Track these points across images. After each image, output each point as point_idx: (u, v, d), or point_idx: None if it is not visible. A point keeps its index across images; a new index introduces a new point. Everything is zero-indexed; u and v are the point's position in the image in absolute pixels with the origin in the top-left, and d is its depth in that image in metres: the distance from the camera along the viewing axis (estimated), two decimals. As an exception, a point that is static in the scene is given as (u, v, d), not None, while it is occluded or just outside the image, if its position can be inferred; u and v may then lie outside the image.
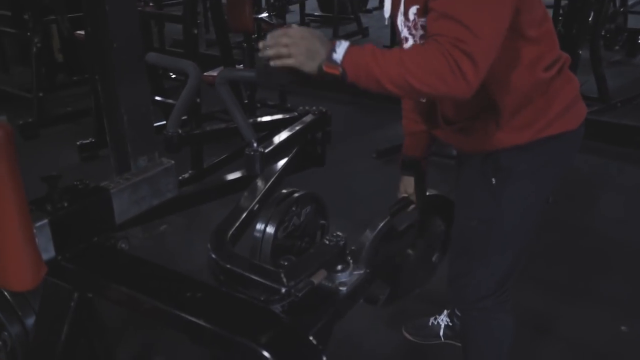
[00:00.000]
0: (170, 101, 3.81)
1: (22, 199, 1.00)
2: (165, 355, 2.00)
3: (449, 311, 2.14)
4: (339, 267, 1.33)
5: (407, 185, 1.76)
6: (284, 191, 1.97)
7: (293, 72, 1.19)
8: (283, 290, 1.14)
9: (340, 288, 1.29)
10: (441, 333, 2.12)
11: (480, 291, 1.54)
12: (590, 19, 4.11)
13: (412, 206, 1.73)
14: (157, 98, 3.98)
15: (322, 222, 2.22)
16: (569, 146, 1.44)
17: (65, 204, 1.16)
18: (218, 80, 1.39)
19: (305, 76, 1.20)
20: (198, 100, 3.27)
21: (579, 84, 1.44)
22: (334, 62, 1.15)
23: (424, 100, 1.46)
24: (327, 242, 1.32)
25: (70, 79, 4.99)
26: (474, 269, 1.54)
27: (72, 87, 4.93)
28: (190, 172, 3.22)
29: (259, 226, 1.88)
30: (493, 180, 1.40)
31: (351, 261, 1.37)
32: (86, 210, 1.20)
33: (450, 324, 2.12)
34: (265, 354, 0.94)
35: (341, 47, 1.15)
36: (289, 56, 1.16)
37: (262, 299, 1.14)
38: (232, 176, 1.79)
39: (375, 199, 3.04)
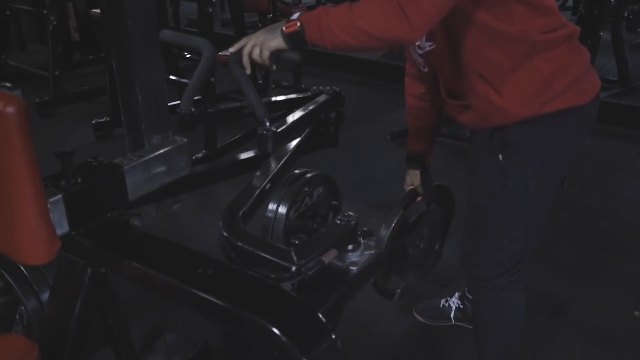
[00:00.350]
0: (185, 81, 3.81)
1: (36, 174, 1.01)
2: (178, 330, 2.03)
3: (460, 294, 2.15)
4: (350, 247, 1.33)
5: (414, 178, 1.80)
6: (297, 172, 1.98)
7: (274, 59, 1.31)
8: (293, 268, 1.14)
9: (351, 268, 1.30)
10: (452, 315, 2.12)
11: (492, 270, 1.54)
12: (612, 0, 4.01)
13: (420, 198, 1.74)
14: (172, 77, 3.98)
15: (335, 203, 2.23)
16: (580, 122, 1.39)
17: (79, 180, 1.17)
18: (231, 59, 1.38)
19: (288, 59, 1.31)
20: (212, 80, 3.27)
21: (589, 56, 1.40)
22: (291, 20, 1.24)
23: (425, 70, 1.45)
24: (339, 222, 1.32)
25: (87, 58, 5.02)
26: (485, 248, 1.54)
27: (88, 66, 4.96)
28: (204, 152, 3.23)
29: (272, 206, 1.90)
30: (500, 157, 1.38)
31: (363, 241, 1.37)
32: (100, 187, 1.21)
33: (462, 306, 2.12)
34: (275, 330, 0.94)
35: (297, 14, 1.26)
36: (255, 50, 1.32)
37: (272, 277, 1.14)
38: (245, 156, 1.79)
39: (388, 181, 3.03)
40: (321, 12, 1.21)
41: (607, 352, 2.02)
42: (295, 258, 1.16)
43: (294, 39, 1.25)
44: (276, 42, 1.27)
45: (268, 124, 1.49)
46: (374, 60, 5.07)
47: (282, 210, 1.90)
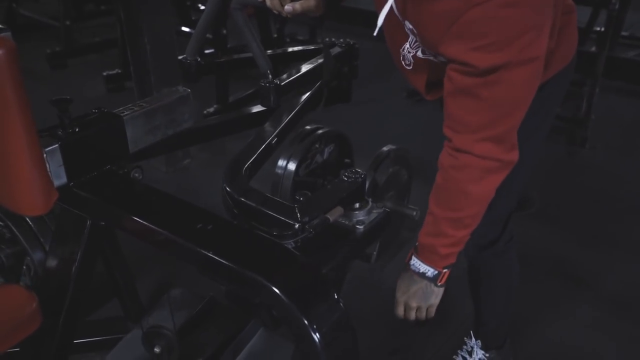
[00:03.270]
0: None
1: (29, 121, 0.97)
2: (184, 284, 2.03)
3: (477, 342, 1.83)
4: (357, 205, 1.28)
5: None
6: (308, 127, 1.93)
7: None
8: (296, 226, 1.10)
9: (357, 227, 1.25)
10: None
11: (488, 236, 1.51)
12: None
13: None
14: (185, 29, 3.89)
15: (347, 160, 2.18)
16: (567, 79, 1.38)
17: (77, 129, 1.12)
18: (233, 5, 1.31)
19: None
20: (224, 31, 3.18)
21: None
22: (433, 273, 1.27)
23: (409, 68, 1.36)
24: (346, 179, 1.27)
25: (99, 8, 4.92)
26: (487, 214, 1.47)
27: (100, 17, 4.86)
28: (215, 106, 3.17)
29: (281, 162, 1.86)
30: None
31: (370, 200, 1.32)
32: (98, 136, 1.17)
33: (487, 354, 1.80)
34: (274, 289, 0.91)
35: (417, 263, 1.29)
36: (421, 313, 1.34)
37: (275, 234, 1.10)
38: (254, 109, 1.74)
39: (403, 139, 2.96)
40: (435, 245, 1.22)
41: (621, 317, 1.98)
42: (298, 215, 1.12)
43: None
44: (436, 298, 1.30)
45: (270, 76, 1.43)
46: (392, 15, 4.89)
47: (291, 166, 1.86)
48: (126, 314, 1.79)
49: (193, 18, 4.22)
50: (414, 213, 1.93)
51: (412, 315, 1.33)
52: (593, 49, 4.13)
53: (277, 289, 0.91)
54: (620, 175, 2.83)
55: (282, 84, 1.44)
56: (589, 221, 2.46)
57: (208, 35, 3.61)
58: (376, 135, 3.13)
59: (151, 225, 1.04)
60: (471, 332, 1.79)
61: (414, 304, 1.32)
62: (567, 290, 2.10)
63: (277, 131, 1.44)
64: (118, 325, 1.76)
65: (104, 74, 3.61)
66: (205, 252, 0.98)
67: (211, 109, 3.16)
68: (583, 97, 3.46)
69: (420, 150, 3.07)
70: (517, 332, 1.91)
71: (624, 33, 4.22)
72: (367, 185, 1.86)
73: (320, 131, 1.94)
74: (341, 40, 1.79)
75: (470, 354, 1.92)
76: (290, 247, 1.10)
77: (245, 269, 0.95)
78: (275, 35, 3.94)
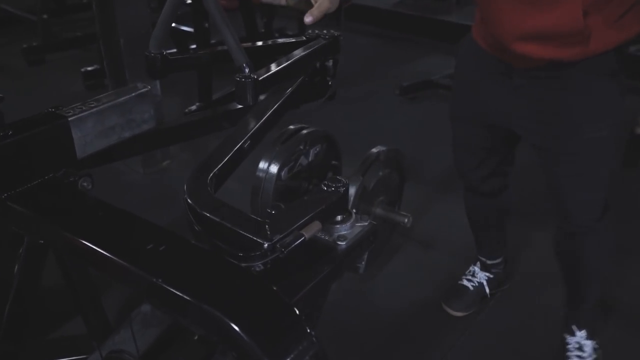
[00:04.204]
0: (184, 28, 3.55)
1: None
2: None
3: (479, 262, 1.96)
4: (339, 218, 1.13)
5: None
6: (291, 127, 1.79)
7: None
8: (265, 245, 0.94)
9: (339, 243, 1.10)
10: (487, 291, 1.95)
11: (596, 212, 1.52)
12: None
13: None
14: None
15: (334, 162, 2.04)
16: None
17: (9, 132, 0.97)
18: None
19: None
20: (206, 25, 3.01)
21: None
22: None
23: None
24: (325, 189, 1.11)
25: (81, 1, 4.74)
26: (591, 190, 1.49)
27: (84, 10, 4.67)
28: (197, 104, 3.00)
29: (262, 165, 1.72)
30: (612, 81, 1.35)
31: (354, 211, 1.17)
32: (37, 141, 1.01)
33: (491, 275, 1.95)
34: (233, 325, 0.76)
35: None
36: None
37: (240, 255, 0.94)
38: (230, 107, 1.58)
39: (394, 139, 2.83)
40: None
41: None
42: (268, 232, 0.96)
43: None
44: None
45: (247, 70, 1.27)
46: (387, 10, 4.75)
47: (273, 169, 1.73)
48: (90, 333, 1.63)
49: (178, 12, 4.04)
50: (406, 220, 1.79)
51: None
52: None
53: (236, 325, 0.76)
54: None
55: (261, 79, 1.28)
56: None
57: (188, 29, 3.45)
58: (366, 135, 2.99)
59: (92, 246, 0.89)
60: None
61: None
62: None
63: (250, 133, 1.28)
64: (80, 344, 1.60)
65: (82, 70, 3.44)
66: (152, 279, 0.82)
67: (193, 107, 2.99)
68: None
69: (413, 150, 2.94)
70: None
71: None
72: (355, 191, 1.72)
73: (305, 131, 1.80)
74: (325, 31, 1.63)
75: (473, 275, 1.95)
76: (258, 269, 0.94)
77: (198, 300, 0.79)
78: (263, 30, 3.78)
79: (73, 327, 1.71)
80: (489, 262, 1.93)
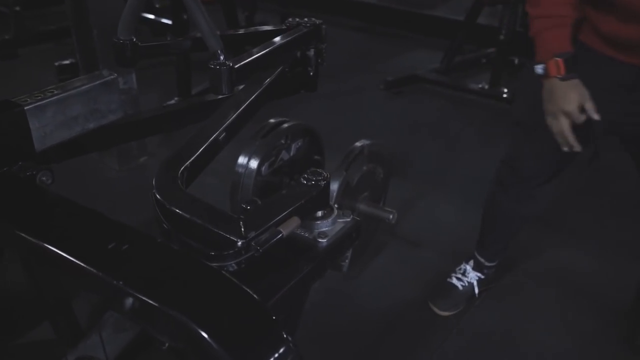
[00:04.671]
0: (164, 20, 3.45)
1: None
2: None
3: (472, 261, 1.90)
4: (319, 214, 1.06)
5: (583, 94, 1.31)
6: (272, 121, 1.72)
7: None
8: (239, 243, 0.86)
9: (320, 240, 1.03)
10: (476, 291, 1.88)
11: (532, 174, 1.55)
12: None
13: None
14: (148, 15, 3.63)
15: (317, 157, 1.97)
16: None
17: (-43, 122, 0.88)
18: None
19: None
20: (185, 17, 2.92)
21: None
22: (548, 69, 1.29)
23: None
24: (305, 182, 1.04)
25: (58, -5, 4.60)
26: None
27: (58, 3, 4.53)
28: (176, 98, 2.92)
29: (241, 160, 1.66)
30: None
31: (336, 206, 1.10)
32: (-12, 131, 0.92)
33: (483, 276, 1.89)
34: (202, 333, 0.68)
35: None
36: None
37: (212, 254, 0.87)
38: (206, 98, 1.50)
39: (379, 134, 2.78)
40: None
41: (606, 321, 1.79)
42: (242, 229, 0.88)
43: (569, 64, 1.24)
44: (569, 94, 1.26)
45: (222, 57, 1.19)
46: (373, 4, 4.69)
47: (253, 164, 1.67)
48: (59, 338, 1.54)
49: (157, 6, 3.94)
50: (390, 216, 1.73)
51: (563, 124, 1.27)
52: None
53: (205, 331, 0.69)
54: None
55: (237, 67, 1.21)
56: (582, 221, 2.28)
57: (167, 21, 3.35)
58: (350, 129, 2.92)
59: (46, 245, 0.80)
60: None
61: (551, 108, 1.28)
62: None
63: (226, 124, 1.20)
64: (49, 350, 1.51)
65: (56, 63, 3.32)
66: (113, 281, 0.74)
67: (172, 102, 2.90)
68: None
69: (399, 145, 2.89)
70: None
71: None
72: (338, 186, 1.65)
73: (286, 125, 1.73)
74: (306, 19, 1.56)
75: (464, 274, 1.90)
76: (231, 269, 0.87)
77: (163, 304, 0.72)
78: (244, 25, 3.69)
79: (45, 331, 1.62)
80: (487, 263, 1.87)
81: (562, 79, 1.22)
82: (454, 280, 1.88)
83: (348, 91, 3.46)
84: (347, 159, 1.70)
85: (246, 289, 0.77)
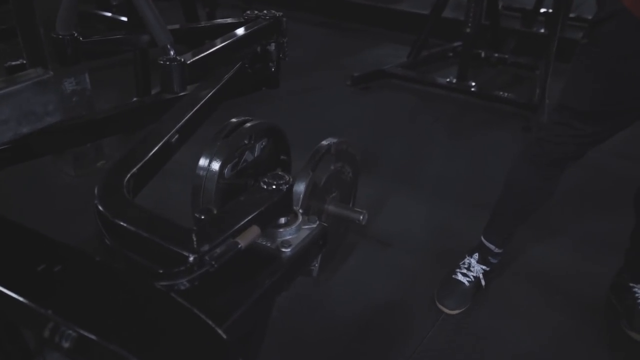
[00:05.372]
0: (123, 18, 3.30)
1: None
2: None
3: (477, 254, 1.84)
4: (282, 221, 0.98)
5: None
6: (234, 120, 1.64)
7: None
8: (191, 258, 0.77)
9: (283, 250, 0.94)
10: (483, 284, 1.83)
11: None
12: None
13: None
14: (104, 13, 3.48)
15: (283, 157, 1.89)
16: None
17: None
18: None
19: None
20: (141, 13, 2.78)
21: None
22: None
23: None
24: (265, 187, 0.95)
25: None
26: None
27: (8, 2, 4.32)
28: (134, 99, 2.78)
29: (202, 162, 1.57)
30: None
31: (301, 211, 1.02)
32: None
33: (488, 268, 1.83)
34: (145, 367, 0.59)
35: None
36: None
37: (160, 272, 0.77)
38: (162, 98, 1.39)
39: (347, 130, 2.70)
40: None
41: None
42: (195, 242, 0.79)
43: None
44: None
45: (172, 52, 1.09)
46: (337, -1, 4.62)
47: (215, 166, 1.58)
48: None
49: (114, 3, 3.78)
50: (361, 217, 1.66)
51: None
52: (542, 30, 3.98)
53: (149, 366, 0.59)
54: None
55: (190, 62, 1.11)
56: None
57: (123, 19, 3.21)
58: (317, 127, 2.84)
59: (-35, 271, 0.70)
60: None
61: None
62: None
63: (178, 126, 1.10)
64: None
65: (6, 64, 3.13)
66: (41, 310, 0.64)
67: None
68: (536, 81, 3.29)
69: (368, 142, 2.81)
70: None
71: (571, 15, 4.08)
72: (304, 188, 1.56)
73: (249, 124, 1.65)
74: (265, 11, 1.47)
75: (469, 268, 1.83)
76: (182, 289, 0.77)
77: (98, 336, 0.62)
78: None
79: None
80: (496, 250, 1.82)
81: None
82: (460, 277, 1.82)
83: (314, 88, 3.38)
84: (314, 158, 1.62)
85: (197, 312, 0.68)
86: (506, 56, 3.65)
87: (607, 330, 1.73)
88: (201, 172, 1.58)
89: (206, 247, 0.79)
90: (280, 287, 0.92)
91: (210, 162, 1.58)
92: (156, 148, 1.02)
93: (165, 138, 1.06)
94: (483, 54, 3.63)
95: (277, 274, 0.91)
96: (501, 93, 3.17)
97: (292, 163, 1.80)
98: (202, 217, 0.88)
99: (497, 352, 1.65)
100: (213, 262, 0.79)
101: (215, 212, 0.88)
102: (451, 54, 3.71)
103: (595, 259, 2.02)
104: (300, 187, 1.55)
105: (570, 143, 1.53)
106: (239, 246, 0.83)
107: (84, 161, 2.41)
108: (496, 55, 3.64)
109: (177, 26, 1.39)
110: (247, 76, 1.48)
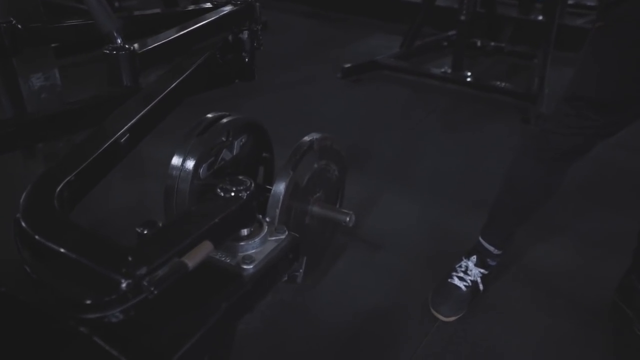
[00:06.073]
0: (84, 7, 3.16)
1: None
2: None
3: (475, 257, 1.72)
4: (244, 233, 0.84)
5: None
6: (210, 115, 1.52)
7: None
8: (124, 284, 0.64)
9: (245, 266, 0.81)
10: (481, 288, 1.70)
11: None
12: None
13: None
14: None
15: (265, 155, 1.77)
16: None
17: None
18: None
19: None
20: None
21: None
22: None
23: None
24: (222, 194, 0.82)
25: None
26: None
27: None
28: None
29: (175, 161, 1.46)
30: None
31: (266, 220, 0.89)
32: None
33: (486, 271, 1.71)
34: None
35: None
36: None
37: (88, 303, 0.64)
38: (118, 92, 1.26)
39: (337, 125, 2.58)
40: None
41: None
42: (130, 264, 0.66)
43: None
44: None
45: (119, 40, 0.96)
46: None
47: (189, 166, 1.47)
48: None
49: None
50: (347, 218, 1.53)
51: None
52: (540, 17, 3.84)
53: None
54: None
55: (142, 51, 0.97)
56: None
57: (81, 6, 3.06)
58: (305, 122, 2.70)
59: None
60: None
61: None
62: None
63: (129, 125, 0.97)
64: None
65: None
66: None
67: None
68: (534, 70, 3.17)
69: (358, 137, 2.69)
70: None
71: (570, 1, 3.96)
72: (284, 189, 1.44)
73: (226, 120, 1.53)
74: (237, -4, 1.34)
75: (466, 272, 1.73)
76: (114, 321, 0.64)
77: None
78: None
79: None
80: (495, 252, 1.70)
81: None
82: (456, 281, 1.69)
83: (303, 81, 3.24)
84: (295, 156, 1.49)
85: (137, 346, 0.55)
86: (503, 45, 3.54)
87: (613, 335, 1.61)
88: (174, 172, 1.45)
89: (143, 270, 0.66)
90: (242, 310, 0.79)
91: (183, 161, 1.46)
92: (100, 151, 0.89)
93: (113, 139, 0.93)
94: (479, 43, 3.51)
95: (237, 295, 0.78)
96: (498, 83, 3.05)
97: (276, 161, 1.68)
98: (145, 232, 0.74)
99: (497, 361, 1.53)
100: (152, 288, 0.65)
101: (160, 225, 0.75)
102: (445, 44, 3.60)
103: (600, 259, 1.89)
104: (279, 188, 1.43)
105: (581, 135, 1.40)
106: (186, 267, 0.69)
107: (35, 164, 2.28)
108: (492, 44, 3.53)
109: (134, 13, 1.25)
110: (218, 67, 1.35)
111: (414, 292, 1.74)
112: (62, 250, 0.68)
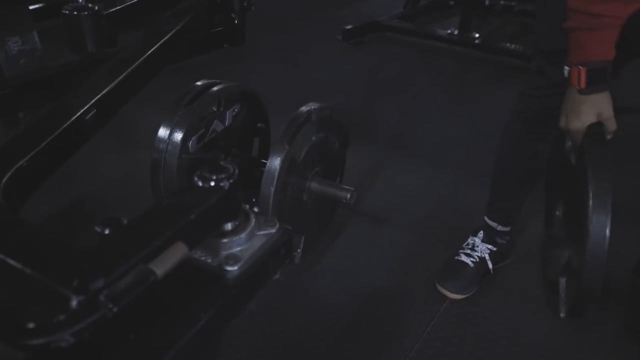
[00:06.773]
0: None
1: None
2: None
3: (481, 233, 1.65)
4: (229, 227, 0.72)
5: (602, 106, 1.17)
6: (199, 84, 1.37)
7: None
8: (74, 301, 0.52)
9: (228, 267, 0.69)
10: (490, 266, 1.63)
11: None
12: None
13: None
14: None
15: (260, 125, 1.66)
16: None
17: None
18: None
19: None
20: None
21: None
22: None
23: None
24: (200, 183, 0.69)
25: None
26: None
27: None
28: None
29: (162, 133, 1.38)
30: None
31: (254, 211, 0.76)
32: None
33: (494, 248, 1.64)
34: None
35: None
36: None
37: (30, 326, 0.52)
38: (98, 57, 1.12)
39: (338, 93, 2.45)
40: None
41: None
42: (83, 275, 0.54)
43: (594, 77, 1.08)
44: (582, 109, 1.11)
45: (81, 0, 0.82)
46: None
47: (176, 138, 1.38)
48: None
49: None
50: (348, 195, 1.42)
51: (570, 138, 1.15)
52: None
53: None
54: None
55: (107, 13, 0.83)
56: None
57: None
58: (304, 88, 2.57)
59: None
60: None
61: (566, 124, 1.14)
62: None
63: (96, 98, 0.84)
64: None
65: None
66: None
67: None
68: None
69: (360, 105, 2.56)
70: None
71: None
72: (279, 164, 1.33)
73: (216, 88, 1.42)
74: (221, -52, 1.18)
75: (473, 248, 1.67)
76: (63, 346, 0.53)
77: None
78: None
79: None
80: (499, 228, 1.63)
81: (581, 92, 1.09)
82: (463, 257, 1.63)
83: (301, 44, 3.10)
84: (291, 128, 1.37)
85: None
86: (512, 3, 3.38)
87: (632, 316, 1.51)
88: (161, 145, 1.34)
89: (100, 282, 0.54)
90: (225, 319, 0.67)
91: (171, 134, 1.35)
92: (60, 130, 0.76)
93: (76, 116, 0.80)
94: (487, 2, 3.35)
95: (219, 302, 0.66)
96: (508, 45, 2.93)
97: (272, 132, 1.56)
98: (106, 232, 0.62)
99: (508, 344, 1.44)
100: (111, 305, 0.54)
101: (124, 222, 0.63)
102: (452, 3, 3.46)
103: (616, 234, 1.78)
104: (274, 164, 1.32)
105: (547, 96, 1.34)
106: (154, 275, 0.58)
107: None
108: (502, 2, 3.38)
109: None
110: (204, 30, 1.20)
111: (420, 271, 1.65)
112: (3, 258, 0.56)
